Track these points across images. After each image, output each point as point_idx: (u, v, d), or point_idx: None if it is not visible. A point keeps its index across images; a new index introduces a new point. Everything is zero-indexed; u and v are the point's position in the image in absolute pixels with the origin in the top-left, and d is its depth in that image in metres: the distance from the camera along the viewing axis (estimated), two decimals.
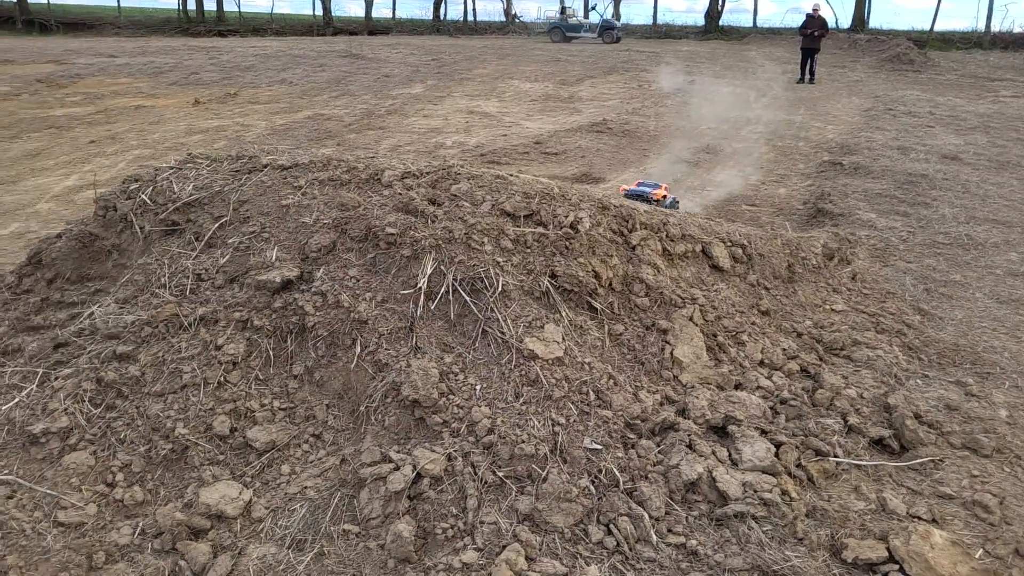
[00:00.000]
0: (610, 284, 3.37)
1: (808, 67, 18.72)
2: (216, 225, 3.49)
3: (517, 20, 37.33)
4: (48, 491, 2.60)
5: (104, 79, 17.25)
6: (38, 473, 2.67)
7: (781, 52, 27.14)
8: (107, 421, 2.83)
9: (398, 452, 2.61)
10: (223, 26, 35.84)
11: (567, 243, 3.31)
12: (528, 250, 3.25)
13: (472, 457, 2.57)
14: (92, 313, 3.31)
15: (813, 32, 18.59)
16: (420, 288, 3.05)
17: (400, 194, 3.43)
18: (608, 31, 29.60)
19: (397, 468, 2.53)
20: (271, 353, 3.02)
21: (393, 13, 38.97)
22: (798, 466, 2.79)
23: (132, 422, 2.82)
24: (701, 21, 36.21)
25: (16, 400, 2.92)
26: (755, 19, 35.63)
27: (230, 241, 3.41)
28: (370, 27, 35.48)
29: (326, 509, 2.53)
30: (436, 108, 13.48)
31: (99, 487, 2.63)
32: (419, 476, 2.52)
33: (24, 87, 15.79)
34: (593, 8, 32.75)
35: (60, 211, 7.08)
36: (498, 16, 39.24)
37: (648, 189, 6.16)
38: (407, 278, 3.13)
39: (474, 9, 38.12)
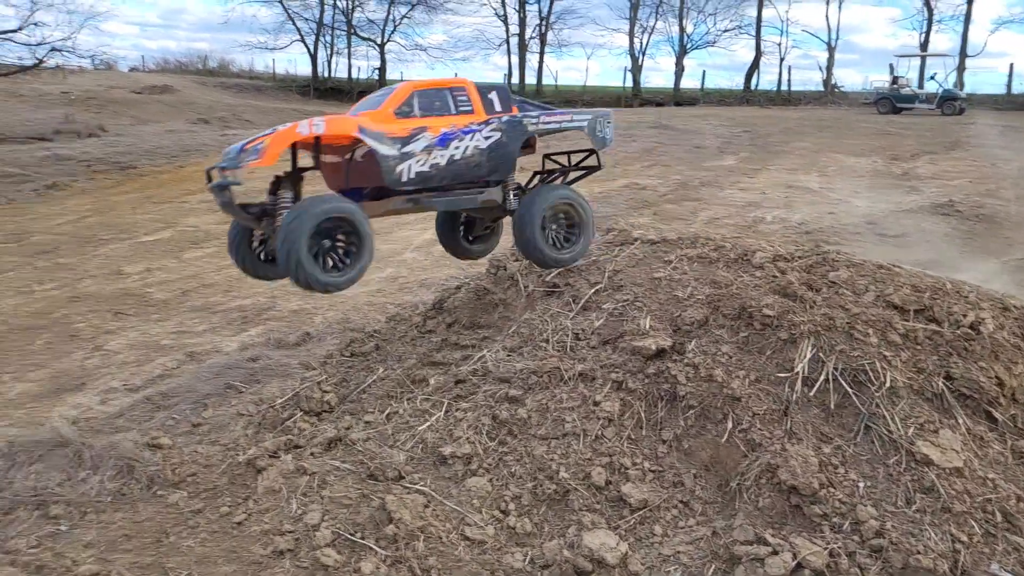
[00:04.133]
0: (1013, 395, 3.08)
1: None
2: (592, 291, 3.91)
3: (837, 89, 35.64)
4: (455, 507, 3.10)
5: None
6: (446, 489, 3.20)
7: None
8: (500, 454, 3.30)
9: (774, 536, 2.65)
10: (540, 99, 39.64)
11: (965, 344, 3.11)
12: (919, 347, 3.13)
13: (858, 558, 2.52)
14: (483, 357, 3.90)
15: None
16: (797, 373, 3.10)
17: (775, 276, 3.53)
18: (949, 102, 26.86)
19: (775, 553, 2.58)
20: (642, 416, 3.28)
21: (702, 83, 39.64)
22: None
23: (521, 459, 3.25)
24: None
25: (428, 423, 3.55)
26: None
27: (605, 306, 3.79)
28: (677, 98, 36.57)
29: None
30: (752, 181, 13.38)
31: (495, 512, 3.06)
32: (799, 566, 2.53)
33: None
34: (931, 77, 30.04)
35: (422, 261, 8.38)
36: (815, 85, 37.83)
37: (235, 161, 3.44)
38: (782, 361, 3.20)
39: (789, 79, 37.15)
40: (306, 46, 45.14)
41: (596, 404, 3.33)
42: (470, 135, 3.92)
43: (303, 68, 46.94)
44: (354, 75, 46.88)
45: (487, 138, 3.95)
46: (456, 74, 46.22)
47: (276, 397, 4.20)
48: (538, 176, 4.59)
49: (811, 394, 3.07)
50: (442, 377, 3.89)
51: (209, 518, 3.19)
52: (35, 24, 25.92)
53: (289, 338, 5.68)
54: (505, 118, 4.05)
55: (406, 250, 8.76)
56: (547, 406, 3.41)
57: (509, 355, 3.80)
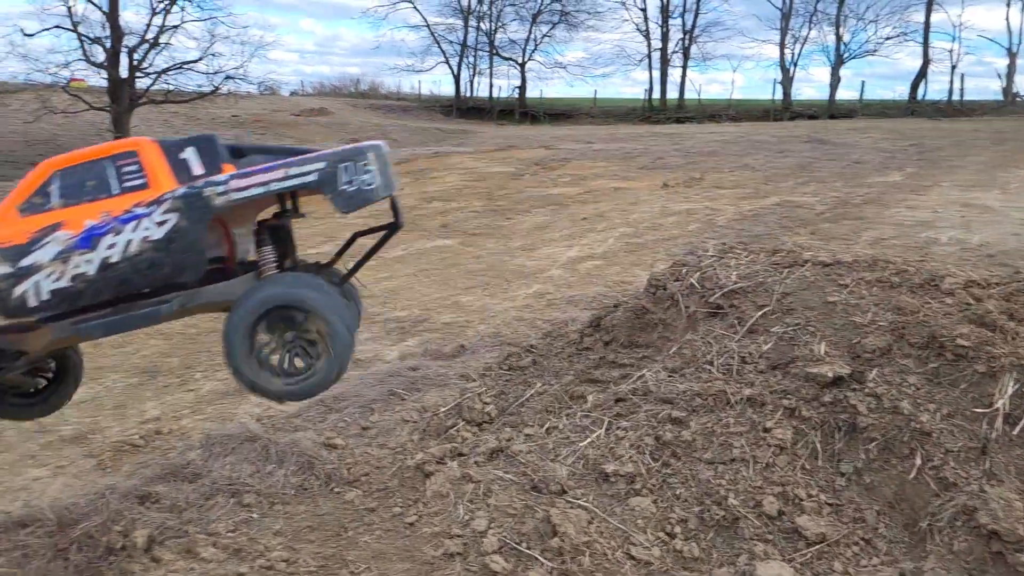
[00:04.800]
0: None
1: None
2: (759, 313, 3.83)
3: (1020, 99, 32.52)
4: (619, 525, 3.13)
5: (585, 163, 20.17)
6: (609, 507, 3.24)
7: None
8: (664, 476, 3.29)
9: None
10: (681, 113, 39.00)
11: None
12: None
13: None
14: (643, 376, 3.91)
15: None
16: (998, 409, 2.89)
17: (968, 304, 3.32)
18: None
19: None
20: (818, 446, 3.17)
21: (860, 94, 37.47)
22: None
23: (686, 482, 3.23)
24: None
25: (589, 440, 3.61)
26: None
27: (773, 330, 3.70)
28: (832, 110, 34.76)
29: None
30: (921, 199, 12.49)
31: (660, 534, 3.07)
32: None
33: (525, 168, 19.39)
34: None
35: (568, 278, 8.49)
36: (992, 94, 34.74)
37: None
38: (979, 396, 2.99)
39: (961, 87, 34.24)
40: (450, 67, 47.07)
41: (766, 431, 3.26)
42: (132, 224, 2.87)
43: (446, 88, 48.90)
44: (494, 94, 48.25)
45: (161, 223, 2.89)
46: (596, 92, 46.57)
47: (439, 406, 4.42)
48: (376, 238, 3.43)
49: (1014, 433, 2.85)
50: (601, 395, 3.94)
51: (383, 517, 3.41)
52: (212, 55, 28.83)
53: (444, 349, 5.94)
54: (181, 191, 2.91)
55: (551, 267, 8.91)
56: (713, 430, 3.37)
57: (670, 376, 3.80)
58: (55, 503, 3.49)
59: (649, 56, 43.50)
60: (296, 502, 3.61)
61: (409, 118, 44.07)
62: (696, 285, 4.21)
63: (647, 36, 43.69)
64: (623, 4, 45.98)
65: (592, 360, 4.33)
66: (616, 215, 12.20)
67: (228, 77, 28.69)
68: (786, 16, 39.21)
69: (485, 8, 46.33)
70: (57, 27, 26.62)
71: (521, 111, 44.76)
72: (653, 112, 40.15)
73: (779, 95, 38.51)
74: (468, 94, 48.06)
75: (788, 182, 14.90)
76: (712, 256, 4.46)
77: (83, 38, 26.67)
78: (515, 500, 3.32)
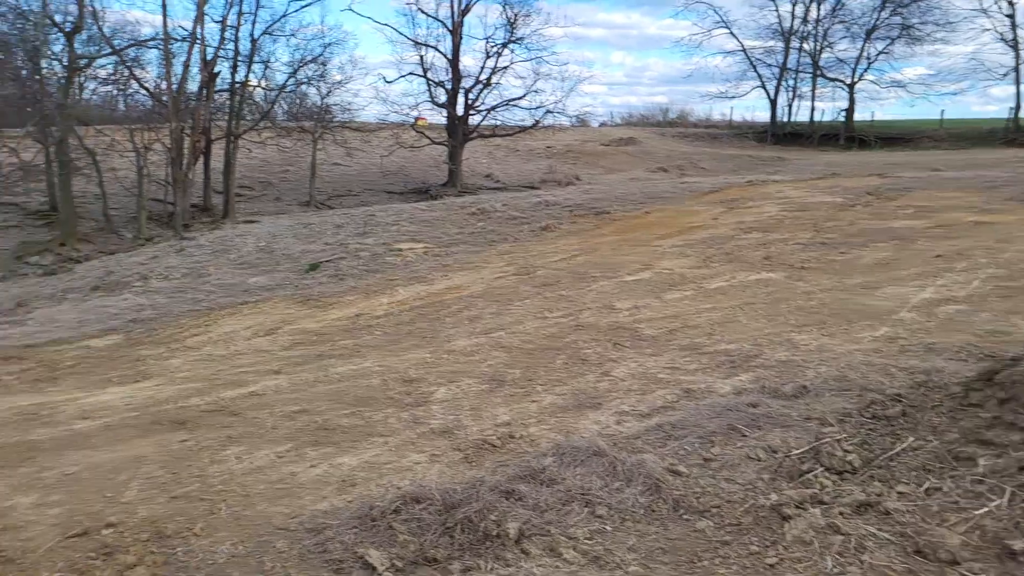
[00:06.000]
0: None
1: None
2: None
3: None
4: None
5: (932, 192, 18.03)
6: None
7: None
8: None
9: None
10: None
11: None
12: None
13: None
14: None
15: None
16: None
17: None
18: None
19: None
20: None
21: None
22: None
23: None
24: None
25: (986, 509, 3.21)
26: None
27: None
28: None
29: None
30: None
31: None
32: None
33: (856, 199, 17.90)
34: None
35: (923, 322, 7.64)
36: None
37: None
38: None
39: None
40: (766, 91, 45.54)
41: None
42: None
43: (760, 114, 47.30)
44: (816, 118, 45.57)
45: None
46: (943, 113, 41.43)
47: (791, 447, 4.27)
48: None
49: None
50: (998, 460, 3.49)
51: (739, 552, 3.39)
52: (535, 91, 31.46)
53: (784, 388, 5.72)
54: None
55: (902, 309, 8.10)
56: None
57: None
58: (438, 486, 4.03)
59: (1017, 68, 37.67)
60: (646, 522, 3.74)
61: (719, 146, 43.50)
62: None
63: (1015, 46, 37.90)
64: (983, 11, 40.44)
65: (983, 419, 3.85)
66: (980, 253, 10.71)
67: (548, 111, 31.07)
68: None
69: (810, 28, 44.12)
70: (411, 74, 31.23)
71: (847, 136, 41.65)
72: (1021, 133, 34.60)
73: None
74: (785, 119, 46.02)
75: None
76: None
77: (430, 82, 30.88)
78: (894, 561, 3.09)
